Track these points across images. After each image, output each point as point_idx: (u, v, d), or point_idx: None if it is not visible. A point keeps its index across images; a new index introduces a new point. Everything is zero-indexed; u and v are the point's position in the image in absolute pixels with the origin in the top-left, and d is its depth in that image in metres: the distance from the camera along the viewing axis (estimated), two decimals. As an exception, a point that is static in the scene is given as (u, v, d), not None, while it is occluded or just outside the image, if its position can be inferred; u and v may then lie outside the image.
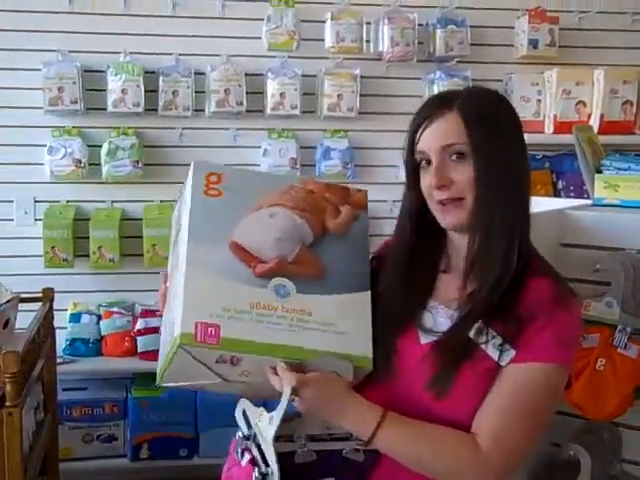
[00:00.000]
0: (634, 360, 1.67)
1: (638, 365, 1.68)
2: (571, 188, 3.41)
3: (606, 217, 1.89)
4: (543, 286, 1.29)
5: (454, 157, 1.29)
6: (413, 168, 1.36)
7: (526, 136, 3.52)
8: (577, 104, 3.43)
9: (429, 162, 1.32)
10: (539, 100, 3.46)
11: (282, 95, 3.25)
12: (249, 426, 1.31)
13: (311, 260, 1.34)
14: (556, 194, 3.47)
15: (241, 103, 3.23)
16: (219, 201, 1.35)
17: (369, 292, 1.36)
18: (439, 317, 1.34)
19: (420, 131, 1.32)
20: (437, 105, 1.32)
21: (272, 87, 3.25)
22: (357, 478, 1.33)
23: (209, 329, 1.23)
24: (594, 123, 3.37)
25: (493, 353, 1.26)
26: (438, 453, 1.25)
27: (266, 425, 1.25)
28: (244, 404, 1.34)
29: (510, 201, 1.30)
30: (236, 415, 1.35)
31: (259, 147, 3.31)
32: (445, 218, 1.33)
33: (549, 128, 3.45)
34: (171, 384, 1.35)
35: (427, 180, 1.32)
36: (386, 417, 1.26)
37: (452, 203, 1.30)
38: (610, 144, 2.79)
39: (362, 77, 3.34)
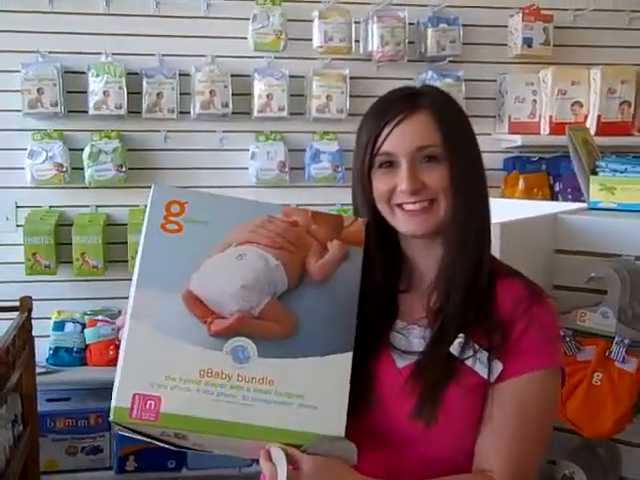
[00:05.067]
0: (632, 374, 1.60)
1: (637, 379, 1.60)
2: (569, 191, 3.36)
3: (602, 221, 1.83)
4: (513, 287, 1.23)
5: (425, 160, 1.21)
6: (370, 171, 1.25)
7: (521, 137, 3.42)
8: (573, 104, 3.37)
9: (390, 164, 1.23)
10: (534, 100, 3.41)
11: (269, 96, 3.18)
12: None
13: (281, 314, 1.14)
14: (553, 197, 3.42)
15: (227, 105, 3.16)
16: (178, 238, 1.15)
17: (350, 354, 1.15)
18: (412, 337, 1.25)
19: (386, 132, 1.21)
20: (403, 104, 1.22)
21: (259, 88, 3.19)
22: None
23: (148, 402, 1.07)
24: (591, 124, 3.31)
25: (481, 370, 1.18)
26: None
27: None
28: None
29: (483, 203, 1.25)
30: None
31: (247, 150, 3.24)
32: (412, 224, 1.23)
33: (545, 129, 3.39)
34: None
35: (387, 184, 1.22)
36: None
37: (422, 208, 1.21)
38: (607, 146, 2.73)
39: (351, 77, 3.28)
